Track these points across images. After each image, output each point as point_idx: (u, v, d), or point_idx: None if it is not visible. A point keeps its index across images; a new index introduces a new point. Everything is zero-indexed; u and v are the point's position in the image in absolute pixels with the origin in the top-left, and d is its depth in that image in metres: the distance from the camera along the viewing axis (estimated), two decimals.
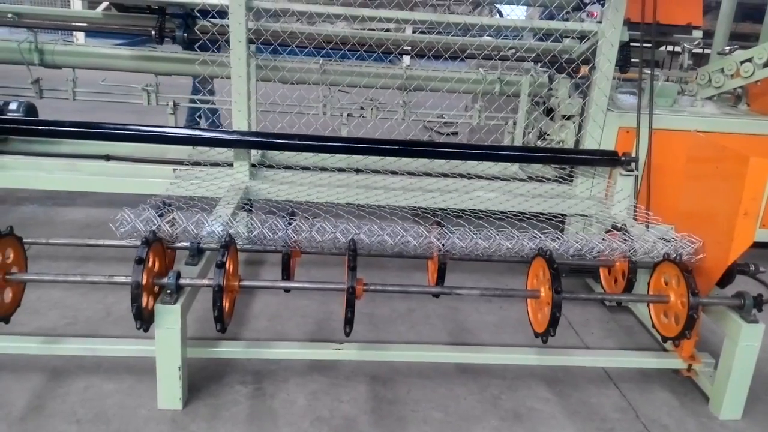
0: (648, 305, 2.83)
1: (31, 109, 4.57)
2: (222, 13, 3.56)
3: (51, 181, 3.76)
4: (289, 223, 2.72)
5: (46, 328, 3.04)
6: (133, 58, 4.42)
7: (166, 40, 4.27)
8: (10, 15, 4.35)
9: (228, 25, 3.33)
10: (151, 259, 2.40)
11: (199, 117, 5.34)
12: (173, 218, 2.73)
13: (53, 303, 3.26)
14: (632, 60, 3.80)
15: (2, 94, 4.72)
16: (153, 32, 4.16)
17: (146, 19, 4.21)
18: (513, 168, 4.07)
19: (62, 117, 3.61)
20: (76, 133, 3.49)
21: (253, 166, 3.64)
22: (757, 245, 2.63)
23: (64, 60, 4.46)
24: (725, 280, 2.72)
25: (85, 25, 4.39)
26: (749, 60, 4.02)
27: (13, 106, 4.45)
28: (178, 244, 2.76)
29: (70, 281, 2.63)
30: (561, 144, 3.93)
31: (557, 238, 2.79)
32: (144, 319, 2.34)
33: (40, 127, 3.56)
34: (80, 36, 9.65)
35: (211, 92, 5.10)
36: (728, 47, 4.34)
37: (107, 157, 3.95)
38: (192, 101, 4.82)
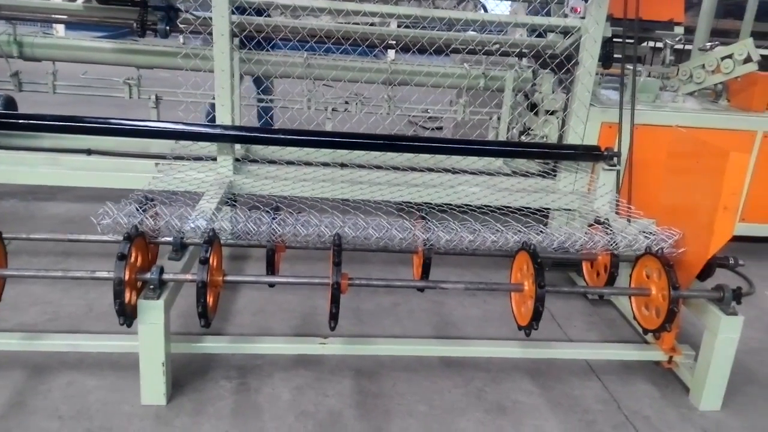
0: (629, 298, 2.86)
1: (10, 103, 4.51)
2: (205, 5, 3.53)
3: (31, 176, 3.70)
4: (274, 218, 2.71)
5: (28, 324, 3.01)
6: (115, 51, 4.38)
7: (148, 33, 4.22)
8: None
9: (211, 18, 3.30)
10: (133, 255, 2.38)
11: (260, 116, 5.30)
12: (156, 213, 2.71)
13: (34, 299, 3.22)
14: (615, 56, 3.83)
15: None
16: (135, 25, 4.11)
17: (128, 11, 4.15)
18: (497, 163, 4.09)
19: (42, 111, 3.56)
20: (56, 126, 3.44)
21: (237, 160, 3.62)
22: (736, 239, 2.67)
23: (43, 53, 4.40)
24: (705, 273, 2.76)
25: (66, 17, 4.32)
26: (730, 56, 4.07)
27: None
28: (161, 239, 2.74)
29: (52, 276, 2.60)
30: (545, 139, 3.95)
31: (541, 231, 2.81)
32: (127, 315, 2.32)
33: (20, 121, 3.49)
34: (60, 28, 9.51)
35: (267, 91, 5.05)
36: (709, 43, 4.39)
37: (89, 152, 3.91)
38: (259, 101, 4.83)
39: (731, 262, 2.83)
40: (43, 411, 2.42)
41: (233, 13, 3.32)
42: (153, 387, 2.48)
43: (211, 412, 2.50)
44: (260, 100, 4.92)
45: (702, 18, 6.72)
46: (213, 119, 5.17)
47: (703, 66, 4.24)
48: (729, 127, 3.97)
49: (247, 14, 3.44)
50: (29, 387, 2.55)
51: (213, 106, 5.16)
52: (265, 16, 3.70)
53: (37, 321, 3.05)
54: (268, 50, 4.23)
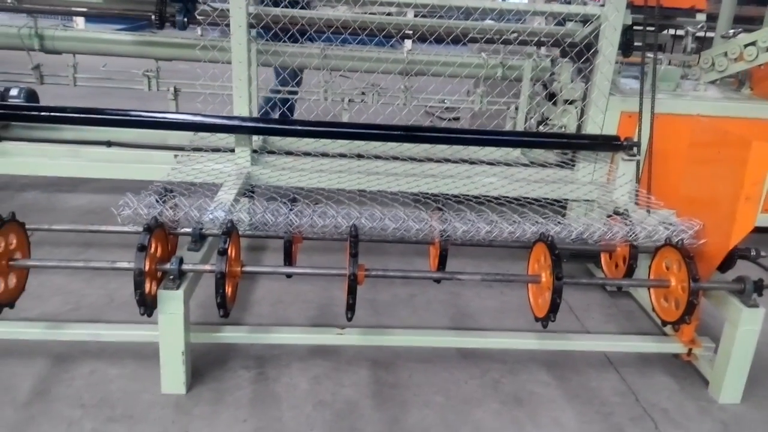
0: (649, 290, 2.83)
1: (32, 95, 4.56)
2: None
3: (53, 168, 3.77)
4: (291, 209, 2.72)
5: (50, 313, 3.06)
6: (134, 44, 4.40)
7: (166, 25, 4.24)
8: (9, 0, 4.33)
9: (228, 10, 3.31)
10: (153, 245, 2.41)
11: (272, 108, 5.31)
12: (175, 204, 2.74)
13: (56, 289, 3.27)
14: (635, 44, 3.77)
15: (3, 80, 4.71)
16: (153, 17, 4.14)
17: (147, 3, 4.18)
18: (515, 153, 4.06)
19: (63, 103, 3.60)
20: (77, 119, 3.49)
21: (255, 152, 3.64)
22: (758, 230, 2.63)
23: (64, 45, 4.44)
24: (726, 265, 2.73)
25: (85, 10, 4.37)
26: (753, 43, 3.99)
27: (14, 92, 4.44)
28: (181, 230, 2.77)
29: (73, 267, 2.65)
30: (563, 129, 3.91)
31: (559, 222, 2.79)
32: (147, 305, 2.36)
33: (41, 113, 3.55)
34: (80, 21, 9.59)
35: (284, 83, 5.05)
36: (732, 30, 4.31)
37: (109, 143, 3.95)
38: (275, 92, 4.85)
39: (753, 253, 2.79)
40: (66, 399, 2.47)
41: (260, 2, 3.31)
42: (173, 376, 2.52)
43: (229, 401, 2.53)
44: (277, 91, 4.93)
45: (725, 4, 6.58)
46: (266, 113, 5.20)
47: (726, 54, 4.16)
48: (752, 115, 3.89)
49: (283, 6, 3.46)
50: (52, 375, 2.60)
51: (266, 100, 5.20)
52: (300, 7, 3.68)
53: (60, 310, 3.10)
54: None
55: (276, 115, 5.26)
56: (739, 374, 2.69)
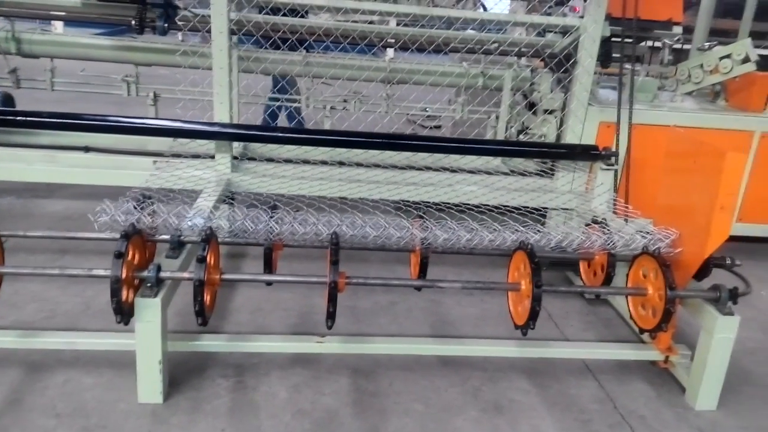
0: (626, 298, 2.87)
1: (8, 100, 4.50)
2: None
3: (29, 173, 3.71)
4: (271, 216, 2.71)
5: (24, 321, 3.01)
6: (113, 48, 4.37)
7: (146, 30, 4.21)
8: None
9: (209, 16, 3.30)
10: (130, 252, 2.38)
11: (271, 116, 5.30)
12: (153, 210, 2.71)
13: (31, 296, 3.21)
14: (613, 55, 3.83)
15: None
16: (133, 22, 4.11)
17: (127, 8, 4.14)
18: (495, 162, 4.09)
19: (40, 107, 3.56)
20: (54, 124, 3.44)
21: (235, 158, 3.62)
22: (733, 239, 2.67)
23: (42, 49, 4.38)
24: (702, 273, 2.76)
25: (64, 14, 4.31)
26: (728, 56, 4.07)
27: None
28: (159, 237, 2.74)
29: (49, 274, 2.61)
30: (543, 138, 3.95)
31: (538, 231, 2.81)
32: (124, 313, 2.32)
33: (18, 118, 3.49)
34: (59, 25, 9.46)
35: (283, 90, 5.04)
36: (708, 43, 4.39)
37: (86, 149, 3.90)
38: (273, 99, 4.82)
39: (728, 262, 2.84)
40: (40, 408, 2.42)
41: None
42: (150, 385, 2.48)
43: (207, 410, 2.50)
44: (275, 99, 4.91)
45: (701, 17, 6.72)
46: (272, 114, 5.18)
47: (702, 66, 4.24)
48: (727, 127, 3.97)
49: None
50: (26, 384, 2.55)
51: (266, 108, 5.17)
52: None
53: (35, 318, 3.05)
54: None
55: (280, 123, 5.30)
56: (715, 381, 2.73)
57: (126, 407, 2.46)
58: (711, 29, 6.81)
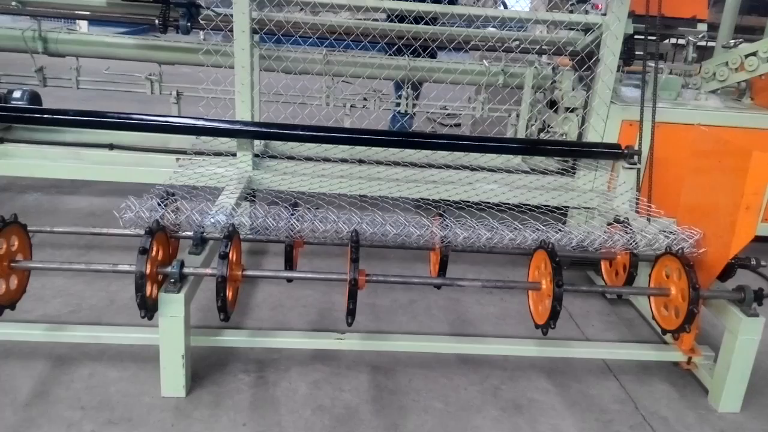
0: (649, 298, 2.83)
1: (34, 98, 4.58)
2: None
3: (55, 170, 3.78)
4: (292, 214, 2.73)
5: (51, 315, 3.07)
6: (137, 47, 4.43)
7: (169, 29, 4.26)
8: (13, 3, 4.33)
9: (232, 15, 3.33)
10: (154, 249, 2.42)
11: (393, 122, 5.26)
12: (177, 207, 2.75)
13: (57, 291, 3.28)
14: (636, 53, 3.78)
15: (6, 82, 4.73)
16: (157, 21, 4.16)
17: (150, 8, 4.20)
18: (515, 160, 4.07)
19: (66, 105, 3.62)
20: (79, 121, 3.49)
21: (256, 156, 3.65)
22: (758, 239, 2.63)
23: (67, 48, 4.46)
24: (726, 274, 2.73)
25: (89, 13, 4.38)
26: (754, 54, 4.00)
27: (17, 94, 4.46)
28: (182, 234, 2.78)
29: (75, 269, 2.66)
30: (564, 136, 3.93)
31: (559, 230, 2.79)
32: (148, 308, 2.36)
33: (44, 116, 3.56)
34: (83, 24, 9.61)
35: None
36: (733, 40, 4.33)
37: (111, 146, 3.96)
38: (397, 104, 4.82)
39: (753, 262, 2.79)
40: (66, 401, 2.47)
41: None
42: (173, 379, 2.52)
43: (229, 404, 2.53)
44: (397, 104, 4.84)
45: (726, 14, 6.60)
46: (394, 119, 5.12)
47: (727, 63, 4.17)
48: (752, 125, 3.90)
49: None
50: (52, 377, 2.60)
51: (392, 118, 5.12)
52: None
53: (60, 312, 3.10)
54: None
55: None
56: (739, 383, 2.69)
57: (150, 401, 2.50)
58: (736, 26, 6.68)
